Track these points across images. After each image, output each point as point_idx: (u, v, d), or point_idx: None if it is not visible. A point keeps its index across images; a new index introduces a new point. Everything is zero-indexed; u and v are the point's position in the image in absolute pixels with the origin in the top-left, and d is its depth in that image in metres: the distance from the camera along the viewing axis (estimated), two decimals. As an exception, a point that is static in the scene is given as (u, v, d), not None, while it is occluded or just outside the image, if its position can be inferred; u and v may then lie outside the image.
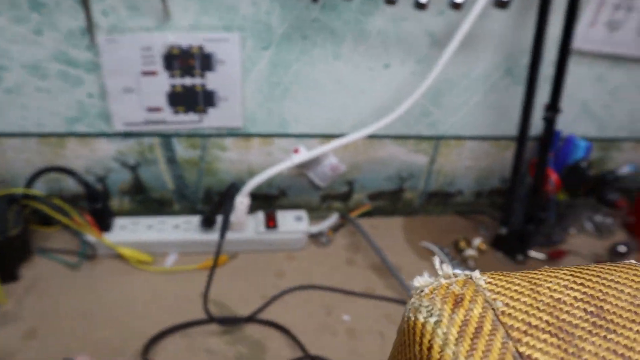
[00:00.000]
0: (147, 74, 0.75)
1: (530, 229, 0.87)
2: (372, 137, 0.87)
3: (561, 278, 0.27)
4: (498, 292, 0.26)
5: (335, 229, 0.94)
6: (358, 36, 0.76)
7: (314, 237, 0.91)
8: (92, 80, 0.75)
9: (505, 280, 0.27)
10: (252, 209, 0.93)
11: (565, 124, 0.95)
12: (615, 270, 0.28)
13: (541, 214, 0.87)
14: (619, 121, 0.97)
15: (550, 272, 0.28)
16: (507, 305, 0.25)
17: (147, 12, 0.70)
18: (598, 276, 0.27)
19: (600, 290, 0.26)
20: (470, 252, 0.91)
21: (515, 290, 0.26)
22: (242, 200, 0.80)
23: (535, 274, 0.28)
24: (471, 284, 0.27)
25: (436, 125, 0.89)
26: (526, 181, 0.92)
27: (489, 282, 0.27)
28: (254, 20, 0.72)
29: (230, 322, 0.74)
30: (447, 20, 0.77)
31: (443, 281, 0.28)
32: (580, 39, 0.82)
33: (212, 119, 0.81)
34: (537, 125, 0.88)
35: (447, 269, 0.29)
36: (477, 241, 0.93)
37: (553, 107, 0.79)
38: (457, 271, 0.29)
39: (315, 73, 0.79)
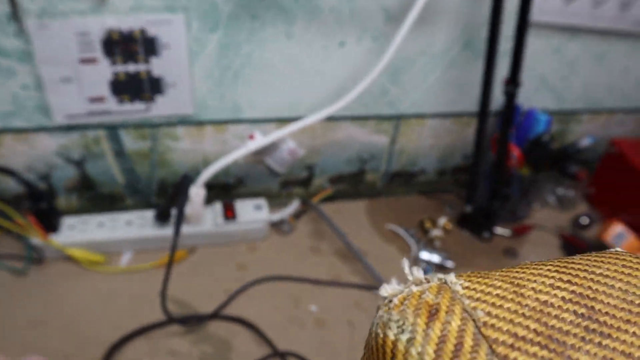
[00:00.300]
0: (86, 61, 0.70)
1: (495, 206, 0.86)
2: (330, 119, 0.83)
3: (545, 275, 0.24)
4: (477, 299, 0.23)
5: (297, 215, 0.91)
6: (310, 13, 0.73)
7: (276, 226, 0.88)
8: (26, 70, 0.69)
9: (485, 284, 0.24)
10: (209, 200, 0.89)
11: (524, 98, 0.94)
12: (602, 261, 0.25)
13: (505, 190, 0.86)
14: (576, 93, 0.97)
15: (533, 269, 0.25)
16: (488, 314, 0.22)
17: (80, -7, 0.64)
18: (585, 270, 0.24)
19: (590, 287, 0.23)
20: (436, 233, 0.89)
21: (497, 295, 0.23)
22: (197, 192, 0.76)
23: (517, 272, 0.25)
24: (446, 290, 0.23)
25: (396, 104, 0.87)
26: (489, 157, 0.91)
27: (467, 287, 0.23)
28: (199, -1, 0.68)
29: (192, 321, 0.71)
30: (402, -6, 0.74)
31: (414, 289, 0.24)
32: (537, 11, 0.81)
33: (161, 107, 0.76)
34: (497, 100, 0.87)
35: (418, 273, 0.25)
36: (443, 221, 0.92)
37: (513, 81, 0.77)
38: (430, 275, 0.25)
39: (267, 54, 0.75)
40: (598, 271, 0.25)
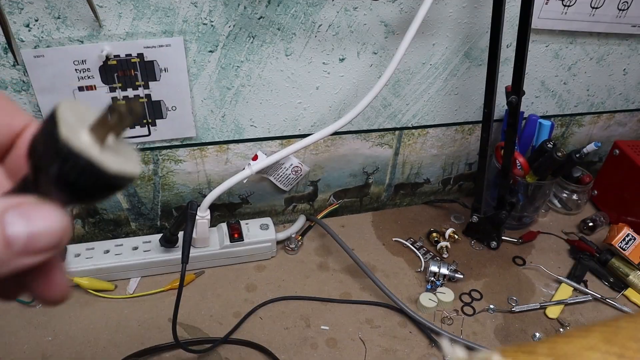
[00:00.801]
0: (84, 88, 0.69)
1: (502, 215, 0.85)
2: (333, 134, 0.83)
3: (594, 349, 0.22)
4: None
5: (303, 232, 0.90)
6: (309, 30, 0.72)
7: (283, 243, 0.87)
8: (24, 100, 0.68)
9: None
10: (215, 220, 0.88)
11: (525, 104, 0.93)
12: None
13: (512, 199, 0.86)
14: (576, 97, 0.97)
15: (582, 339, 0.23)
16: None
17: (76, 21, 0.63)
18: (637, 339, 0.22)
19: None
20: (443, 244, 0.89)
21: None
22: (202, 216, 0.75)
23: (564, 345, 0.23)
24: None
25: (397, 116, 0.86)
26: (493, 165, 0.90)
27: None
28: (196, 22, 0.67)
29: (202, 346, 0.70)
30: (401, 7, 0.73)
31: None
32: (535, 17, 0.80)
33: (162, 130, 0.75)
34: (499, 107, 0.86)
35: (459, 352, 0.23)
36: (449, 231, 0.91)
37: (516, 91, 0.76)
38: (475, 354, 0.23)
39: (267, 73, 0.74)
40: None
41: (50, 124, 0.22)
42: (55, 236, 0.22)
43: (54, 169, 0.21)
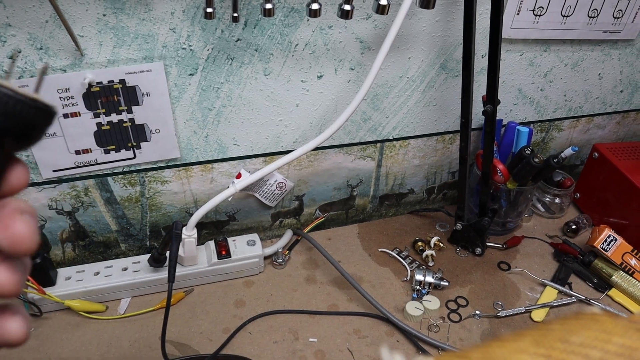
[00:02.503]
0: (69, 116, 0.71)
1: (486, 222, 0.87)
2: (315, 149, 0.85)
3: (523, 351, 0.23)
4: None
5: (290, 247, 0.92)
6: (286, 50, 0.74)
7: (270, 259, 0.88)
8: (10, 129, 0.70)
9: None
10: (203, 238, 0.89)
11: (504, 111, 0.95)
12: (580, 327, 0.25)
13: (494, 205, 0.87)
14: (554, 102, 0.99)
15: (513, 343, 0.24)
16: None
17: (59, 51, 0.65)
18: (564, 340, 0.24)
19: None
20: (428, 252, 0.90)
21: None
22: (189, 234, 0.77)
23: (496, 348, 0.24)
24: None
25: (378, 129, 0.88)
26: (475, 173, 0.92)
27: None
28: (175, 47, 0.69)
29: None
30: (375, 24, 0.76)
31: None
32: (508, 27, 0.83)
33: (147, 153, 0.77)
34: (478, 115, 0.88)
35: (397, 358, 0.24)
36: (434, 239, 0.93)
37: (491, 100, 0.79)
38: None
39: (247, 93, 0.76)
40: (576, 340, 0.24)
41: None
42: None
43: None
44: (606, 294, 0.86)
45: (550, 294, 0.85)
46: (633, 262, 0.87)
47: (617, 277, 0.87)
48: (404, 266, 0.89)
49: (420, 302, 0.81)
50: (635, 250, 0.87)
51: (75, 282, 0.78)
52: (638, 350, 0.23)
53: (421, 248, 0.91)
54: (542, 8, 0.82)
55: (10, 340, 0.27)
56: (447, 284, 0.84)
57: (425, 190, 1.02)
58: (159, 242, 0.88)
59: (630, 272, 0.86)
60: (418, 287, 0.84)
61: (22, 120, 0.26)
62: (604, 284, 0.88)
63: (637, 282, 0.85)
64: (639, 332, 0.24)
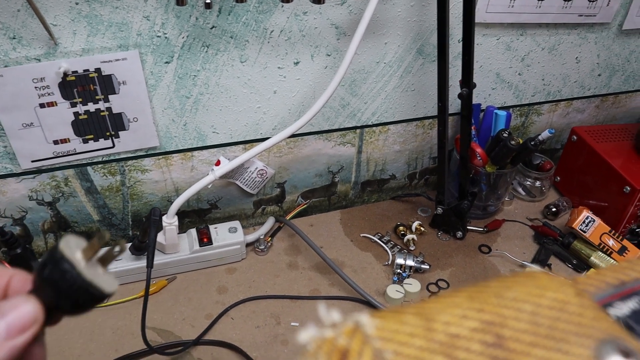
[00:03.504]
0: (45, 105, 0.71)
1: (465, 206, 0.88)
2: (294, 136, 0.85)
3: (457, 305, 0.24)
4: (389, 339, 0.23)
5: (273, 234, 0.92)
6: (261, 37, 0.74)
7: (252, 246, 0.89)
8: (-14, 120, 0.70)
9: (398, 321, 0.23)
10: (186, 227, 0.90)
11: (483, 96, 0.96)
12: (515, 283, 0.25)
13: (473, 189, 0.88)
14: (532, 87, 1.00)
15: (449, 298, 0.25)
16: (397, 353, 0.22)
17: (32, 40, 0.65)
18: (497, 295, 0.24)
19: (499, 314, 0.23)
20: (410, 236, 0.91)
21: (408, 333, 0.23)
22: (169, 222, 0.77)
23: (432, 303, 0.25)
24: (359, 332, 0.23)
25: (357, 115, 0.89)
26: (455, 157, 0.93)
27: (380, 328, 0.23)
28: (150, 35, 0.69)
29: (175, 349, 0.72)
30: (349, 9, 0.76)
31: (328, 333, 0.23)
32: (483, 12, 0.83)
33: (126, 142, 0.77)
34: (456, 100, 0.89)
35: (334, 315, 0.24)
36: (416, 224, 0.93)
37: (467, 84, 0.79)
38: (346, 318, 0.25)
39: (223, 80, 0.77)
40: (511, 295, 0.24)
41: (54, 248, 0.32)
42: (28, 317, 0.30)
43: (47, 270, 0.31)
44: (585, 275, 0.87)
45: (529, 275, 0.86)
46: (611, 242, 0.88)
47: (596, 257, 0.88)
48: (386, 250, 0.90)
49: (401, 286, 0.82)
50: (613, 231, 0.88)
51: (57, 272, 0.78)
52: (570, 303, 0.24)
53: (402, 232, 0.92)
54: (517, -9, 0.83)
55: None
56: (428, 267, 0.85)
57: (407, 176, 1.03)
58: (138, 233, 0.89)
59: (608, 253, 0.87)
60: (399, 270, 0.85)
61: (80, 302, 0.32)
62: (583, 265, 0.89)
63: (615, 262, 0.87)
64: (573, 288, 0.25)
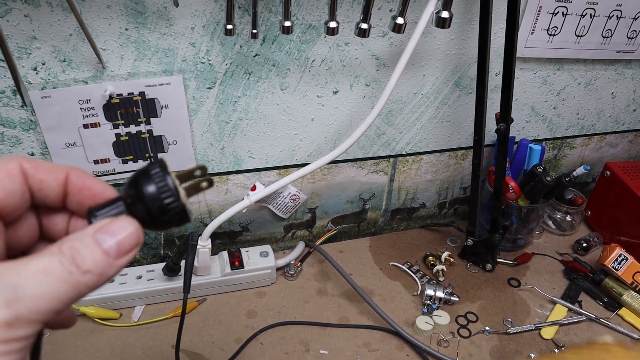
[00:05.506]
0: (89, 126, 0.72)
1: (497, 239, 0.88)
2: (329, 163, 0.86)
3: None
4: None
5: (302, 258, 0.92)
6: (302, 66, 0.75)
7: (282, 270, 0.89)
8: (31, 138, 0.71)
9: None
10: (217, 248, 0.90)
11: (517, 129, 0.96)
12: (593, 358, 0.25)
13: (505, 222, 0.88)
14: (567, 120, 0.99)
15: None
16: None
17: (81, 63, 0.67)
18: None
19: None
20: (439, 267, 0.91)
21: None
22: (203, 245, 0.78)
23: None
24: None
25: (391, 144, 0.89)
26: (486, 189, 0.93)
27: None
28: (194, 61, 0.70)
29: (204, 373, 0.72)
30: (390, 41, 0.77)
31: None
32: (522, 46, 0.84)
33: (163, 163, 0.78)
34: (491, 132, 0.89)
35: None
36: (445, 254, 0.93)
37: (505, 119, 0.79)
38: None
39: (263, 107, 0.77)
40: None
41: (161, 170, 0.30)
42: (134, 238, 0.29)
43: (148, 188, 0.30)
44: (616, 313, 0.86)
45: (560, 312, 0.85)
46: (644, 281, 0.87)
47: (628, 296, 0.87)
48: (415, 280, 0.90)
49: (431, 317, 0.81)
50: (647, 270, 0.87)
51: (90, 289, 0.79)
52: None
53: (432, 263, 0.92)
54: (557, 28, 0.83)
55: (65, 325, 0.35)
56: (457, 299, 0.85)
57: (437, 205, 1.03)
58: (173, 250, 0.89)
59: (641, 292, 0.86)
60: (428, 301, 0.84)
61: (168, 219, 0.30)
62: (614, 303, 0.88)
63: (647, 302, 0.85)
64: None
